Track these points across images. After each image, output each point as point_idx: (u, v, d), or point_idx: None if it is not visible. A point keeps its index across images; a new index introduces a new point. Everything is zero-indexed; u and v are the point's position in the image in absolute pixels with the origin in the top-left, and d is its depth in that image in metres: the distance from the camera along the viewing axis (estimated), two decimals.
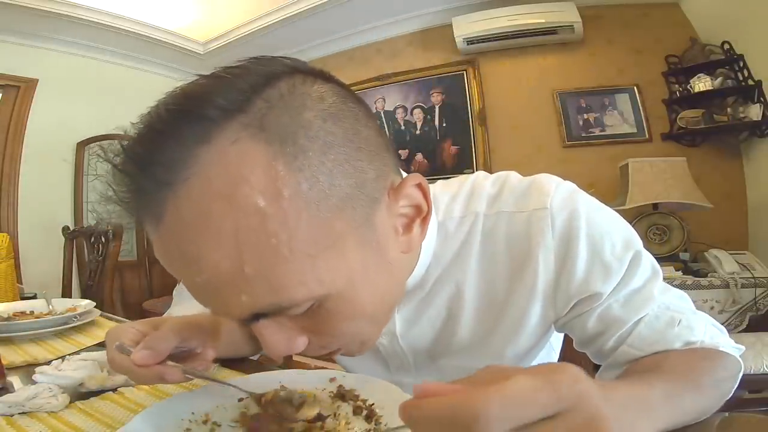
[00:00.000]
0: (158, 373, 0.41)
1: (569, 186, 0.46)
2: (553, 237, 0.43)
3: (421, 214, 0.38)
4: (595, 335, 0.46)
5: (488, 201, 0.47)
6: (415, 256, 0.45)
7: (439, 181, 0.51)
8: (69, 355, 0.53)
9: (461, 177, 0.52)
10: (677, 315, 0.43)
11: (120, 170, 0.29)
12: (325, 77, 0.34)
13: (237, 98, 0.28)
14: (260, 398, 0.44)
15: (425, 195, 0.37)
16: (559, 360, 0.71)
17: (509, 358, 0.52)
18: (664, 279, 0.47)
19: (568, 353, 0.73)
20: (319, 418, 0.44)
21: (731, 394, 0.41)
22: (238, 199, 0.27)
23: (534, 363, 0.61)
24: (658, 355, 0.41)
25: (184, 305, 0.65)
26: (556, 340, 0.69)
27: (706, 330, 0.43)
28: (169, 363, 0.42)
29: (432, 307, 0.50)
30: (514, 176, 0.48)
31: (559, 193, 0.44)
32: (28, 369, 0.65)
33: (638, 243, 0.45)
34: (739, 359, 0.43)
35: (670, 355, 0.41)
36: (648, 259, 0.45)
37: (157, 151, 0.28)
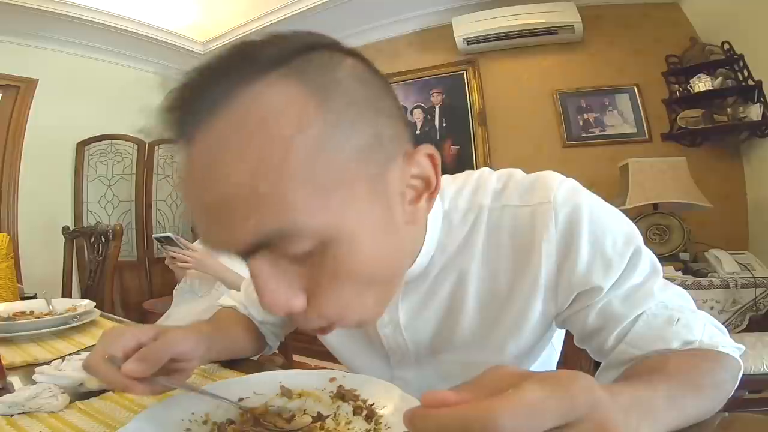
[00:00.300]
0: (140, 387, 0.40)
1: (572, 183, 0.47)
2: (555, 230, 0.44)
3: (429, 189, 0.39)
4: (594, 331, 0.46)
5: (493, 195, 0.48)
6: (418, 237, 0.45)
7: (446, 174, 0.51)
8: (69, 355, 0.53)
9: (467, 172, 0.53)
10: (675, 313, 0.43)
11: (175, 89, 0.31)
12: (357, 55, 0.36)
13: (281, 54, 0.31)
14: (250, 412, 0.44)
15: (435, 168, 0.38)
16: (560, 359, 0.71)
17: (511, 355, 0.52)
18: (665, 279, 0.47)
19: (569, 353, 0.73)
20: (319, 418, 0.44)
21: (731, 395, 0.41)
22: (269, 126, 0.29)
23: (536, 363, 0.61)
24: (658, 356, 0.41)
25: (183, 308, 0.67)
26: (558, 339, 0.69)
27: (705, 329, 0.43)
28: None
29: (435, 297, 0.50)
30: (518, 172, 0.49)
31: (562, 188, 0.45)
32: (28, 369, 0.65)
33: (639, 239, 0.46)
34: (739, 360, 0.43)
35: (671, 357, 0.40)
36: (648, 256, 0.46)
37: (208, 80, 0.30)
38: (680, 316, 0.43)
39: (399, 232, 0.37)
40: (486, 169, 0.52)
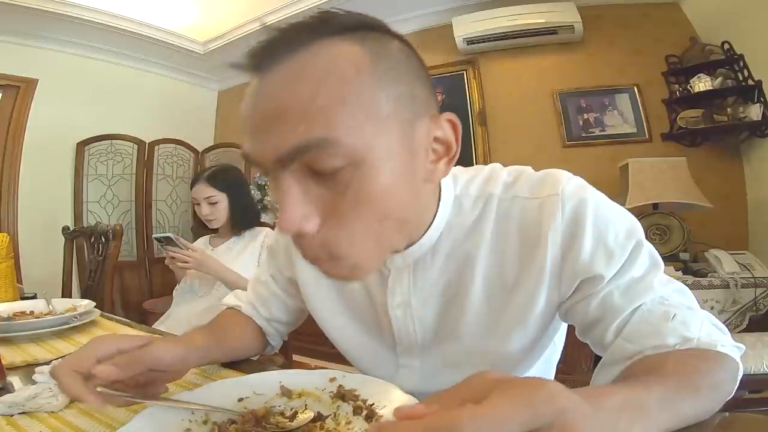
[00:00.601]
0: (92, 398, 0.40)
1: (580, 180, 0.50)
2: (562, 220, 0.46)
3: (449, 154, 0.43)
4: (594, 321, 0.47)
5: (504, 186, 0.51)
6: (429, 204, 0.48)
7: (458, 166, 0.53)
8: (69, 354, 0.53)
9: (478, 165, 0.56)
10: (672, 309, 0.44)
11: (262, 38, 0.38)
12: (404, 40, 0.43)
13: (349, 25, 0.39)
14: (255, 416, 0.44)
15: (456, 134, 0.43)
16: (561, 359, 0.71)
17: (515, 348, 0.53)
18: (667, 276, 0.48)
19: (570, 353, 0.73)
20: (319, 417, 0.44)
21: (731, 396, 0.41)
22: (333, 65, 0.36)
23: (538, 361, 0.62)
24: (656, 357, 0.41)
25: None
26: (560, 339, 0.69)
27: (702, 327, 0.43)
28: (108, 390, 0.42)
29: (443, 278, 0.52)
30: (529, 169, 0.53)
31: (570, 183, 0.48)
32: (28, 369, 0.65)
33: (640, 233, 0.47)
34: (738, 361, 0.42)
35: (669, 358, 0.40)
36: (650, 251, 0.47)
37: (292, 32, 0.37)
38: (677, 312, 0.43)
39: (416, 183, 0.41)
40: (497, 164, 0.55)
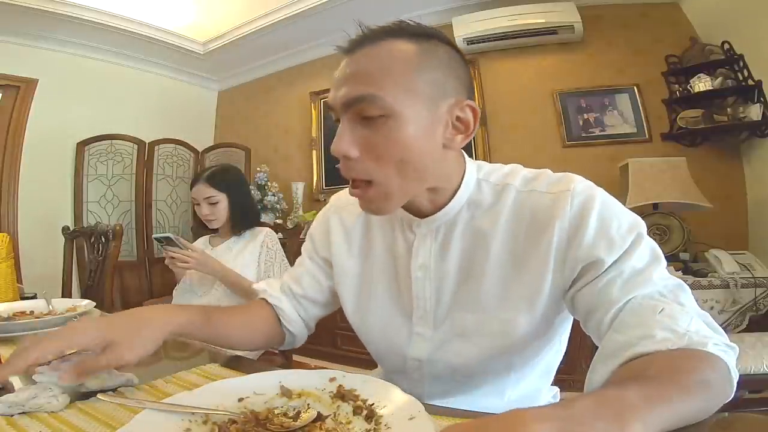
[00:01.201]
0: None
1: (592, 183, 0.57)
2: (570, 211, 0.53)
3: (467, 131, 0.55)
4: (594, 309, 0.50)
5: (524, 180, 0.59)
6: (449, 172, 0.58)
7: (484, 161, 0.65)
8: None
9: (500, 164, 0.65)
10: (661, 304, 0.46)
11: (359, 29, 0.55)
12: (454, 46, 0.57)
13: (413, 32, 0.55)
14: (256, 417, 0.44)
15: (475, 117, 0.55)
16: (564, 359, 0.72)
17: (521, 331, 0.57)
18: (670, 273, 0.49)
19: (570, 353, 0.73)
20: (319, 417, 0.44)
21: (731, 397, 0.40)
22: (391, 52, 0.52)
23: (542, 363, 0.65)
24: (640, 360, 0.41)
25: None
26: (562, 342, 0.69)
27: (691, 323, 0.43)
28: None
29: (461, 247, 0.60)
30: (549, 170, 0.60)
31: (582, 183, 0.56)
32: (28, 369, 0.65)
33: (643, 228, 0.53)
34: (728, 362, 0.41)
35: (653, 360, 0.40)
36: (651, 245, 0.52)
37: (374, 31, 0.55)
38: (665, 306, 0.45)
39: (435, 144, 0.54)
40: (519, 165, 0.64)
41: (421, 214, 0.61)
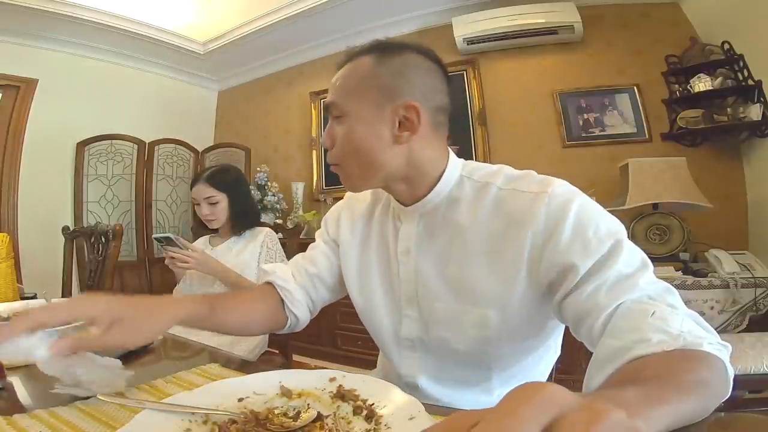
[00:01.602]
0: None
1: (574, 188, 0.58)
2: (546, 212, 0.55)
3: (412, 130, 0.61)
4: (583, 316, 0.51)
5: (506, 179, 0.62)
6: (429, 169, 0.64)
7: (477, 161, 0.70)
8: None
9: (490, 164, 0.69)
10: (651, 307, 0.46)
11: (344, 53, 0.67)
12: (424, 52, 0.65)
13: (380, 46, 0.64)
14: (256, 417, 0.44)
15: (419, 117, 0.61)
16: (560, 359, 0.73)
17: (494, 328, 0.60)
18: (664, 279, 0.49)
19: (570, 353, 0.73)
20: (319, 417, 0.44)
21: (728, 395, 0.40)
22: (354, 67, 0.64)
23: (531, 365, 0.67)
24: (635, 363, 0.41)
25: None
26: (556, 341, 0.70)
27: (683, 323, 0.43)
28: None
29: (441, 237, 0.65)
30: (534, 172, 0.62)
31: (563, 186, 0.57)
32: (28, 369, 0.65)
33: (622, 234, 0.53)
34: (724, 360, 0.42)
35: (650, 361, 0.40)
36: (636, 251, 0.52)
37: (355, 51, 0.66)
38: (656, 309, 0.45)
39: (384, 139, 0.61)
40: (507, 166, 0.66)
41: (407, 202, 0.67)
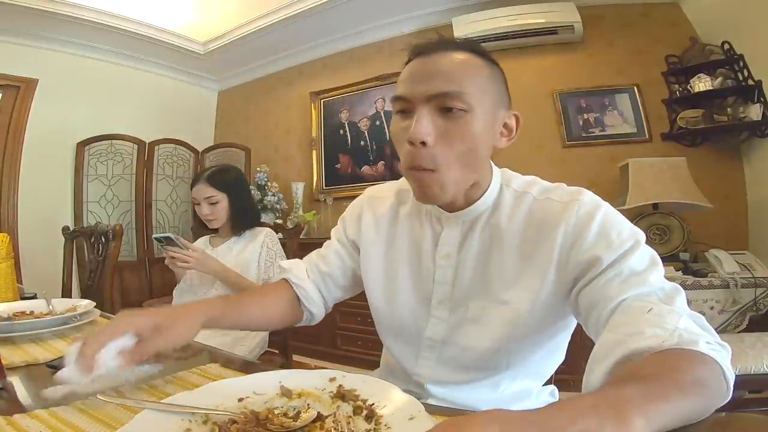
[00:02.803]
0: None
1: (600, 198, 0.63)
2: (575, 217, 0.60)
3: (510, 135, 0.66)
4: (593, 306, 0.54)
5: (541, 189, 0.66)
6: (488, 176, 0.67)
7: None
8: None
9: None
10: (649, 304, 0.48)
11: (430, 42, 0.63)
12: (498, 65, 0.66)
13: (473, 49, 0.64)
14: (256, 416, 0.44)
15: (518, 124, 0.66)
16: (565, 360, 0.74)
17: (523, 324, 0.62)
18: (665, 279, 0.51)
19: (570, 353, 0.73)
20: (319, 417, 0.44)
21: (727, 398, 0.40)
22: (468, 59, 0.61)
23: (537, 363, 0.68)
24: (634, 362, 0.41)
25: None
26: (559, 346, 0.72)
27: (680, 321, 0.43)
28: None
29: (481, 241, 0.66)
30: (564, 184, 0.67)
31: (592, 195, 0.62)
32: (28, 369, 0.65)
33: (642, 237, 0.57)
34: (720, 362, 0.41)
35: (648, 359, 0.40)
36: (650, 252, 0.56)
37: (443, 41, 0.63)
38: (653, 306, 0.47)
39: (490, 141, 0.63)
40: (538, 177, 0.70)
41: (452, 209, 0.67)
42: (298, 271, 0.81)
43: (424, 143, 0.57)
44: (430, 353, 0.70)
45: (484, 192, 0.66)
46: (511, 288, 0.63)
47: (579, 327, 0.62)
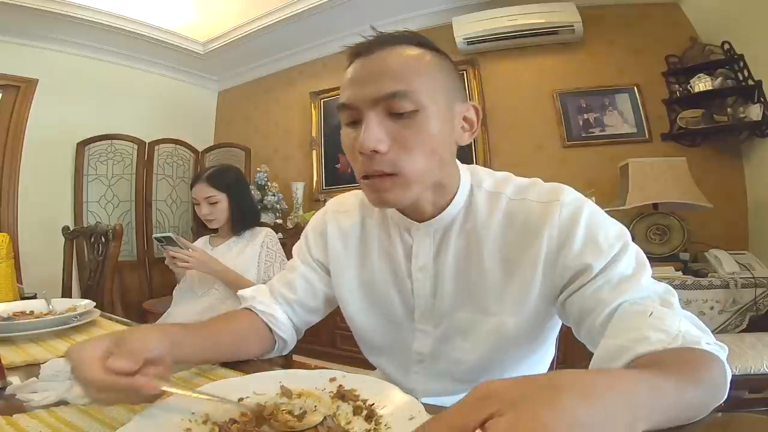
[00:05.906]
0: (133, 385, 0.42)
1: (581, 195, 0.59)
2: (559, 220, 0.56)
3: (471, 129, 0.60)
4: (585, 313, 0.53)
5: (515, 189, 0.62)
6: (455, 177, 0.62)
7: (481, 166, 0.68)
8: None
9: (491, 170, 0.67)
10: (649, 307, 0.47)
11: (368, 40, 0.57)
12: (445, 54, 0.61)
13: (416, 40, 0.57)
14: (261, 411, 0.44)
15: (477, 116, 0.61)
16: (560, 358, 0.74)
17: (513, 328, 0.60)
18: (664, 279, 0.49)
19: (570, 353, 0.73)
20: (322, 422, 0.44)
21: (725, 396, 0.41)
22: (413, 54, 0.55)
23: (529, 366, 0.67)
24: (650, 355, 0.41)
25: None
26: (549, 346, 0.71)
27: (681, 323, 0.44)
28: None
29: (457, 250, 0.62)
30: (540, 180, 0.63)
31: (572, 194, 0.58)
32: (28, 369, 0.65)
33: (628, 237, 0.56)
34: (724, 360, 0.43)
35: (664, 355, 0.41)
36: (638, 253, 0.55)
37: (382, 37, 0.57)
38: (653, 309, 0.46)
39: (451, 138, 0.58)
40: (511, 174, 0.65)
41: (421, 218, 0.63)
42: (263, 297, 0.74)
43: (376, 151, 0.52)
44: (419, 367, 0.68)
45: (453, 196, 0.61)
46: (497, 298, 0.60)
47: None
